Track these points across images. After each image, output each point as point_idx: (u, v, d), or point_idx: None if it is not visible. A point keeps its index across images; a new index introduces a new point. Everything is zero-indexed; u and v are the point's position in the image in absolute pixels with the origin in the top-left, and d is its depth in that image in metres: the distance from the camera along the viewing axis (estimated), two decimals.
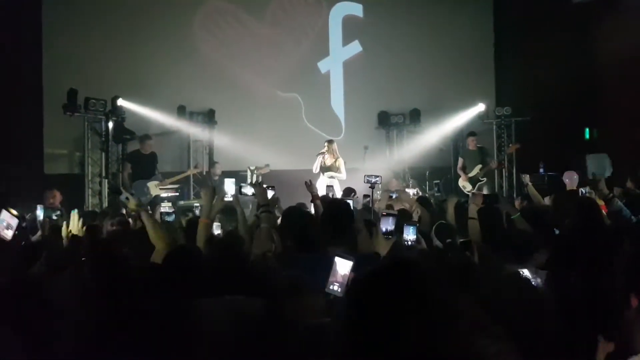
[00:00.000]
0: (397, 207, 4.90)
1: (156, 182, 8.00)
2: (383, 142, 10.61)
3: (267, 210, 3.12)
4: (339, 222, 2.92)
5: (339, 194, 6.24)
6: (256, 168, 8.87)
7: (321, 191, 7.26)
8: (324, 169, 7.80)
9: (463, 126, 10.26)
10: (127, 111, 9.02)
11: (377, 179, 5.08)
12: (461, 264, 2.39)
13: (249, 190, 3.97)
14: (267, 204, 3.17)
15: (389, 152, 10.49)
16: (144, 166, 8.00)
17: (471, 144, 8.67)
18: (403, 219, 3.40)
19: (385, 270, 1.34)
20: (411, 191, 7.02)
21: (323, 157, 7.81)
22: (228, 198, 4.08)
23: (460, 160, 8.76)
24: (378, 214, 3.86)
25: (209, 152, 9.76)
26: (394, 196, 6.33)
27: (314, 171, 7.76)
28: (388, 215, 2.86)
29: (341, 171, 7.81)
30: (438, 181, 9.25)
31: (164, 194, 7.88)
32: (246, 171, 8.90)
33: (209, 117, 9.60)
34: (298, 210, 3.39)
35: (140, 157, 8.09)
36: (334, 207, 3.13)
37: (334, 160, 7.84)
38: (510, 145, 9.29)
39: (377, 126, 10.64)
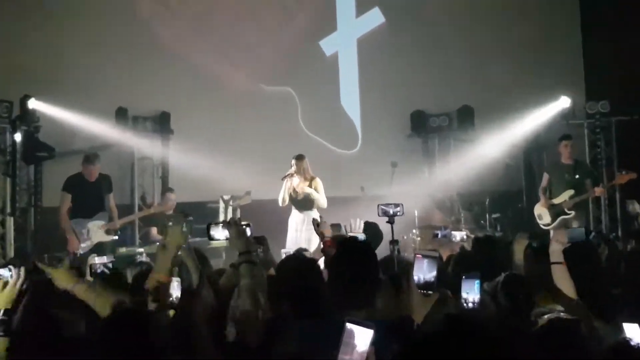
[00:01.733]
0: (445, 252, 4.61)
1: (100, 223, 7.20)
2: (419, 157, 9.84)
3: (248, 259, 2.86)
4: (357, 272, 2.61)
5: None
6: (232, 198, 8.26)
7: (291, 232, 7.20)
8: (295, 198, 7.09)
9: (539, 130, 9.40)
10: (43, 117, 8.36)
11: (398, 209, 4.81)
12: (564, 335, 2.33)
13: (220, 234, 3.32)
14: (248, 251, 2.92)
15: (428, 171, 9.75)
16: (87, 198, 7.23)
17: (565, 152, 7.75)
18: (460, 267, 3.28)
19: (439, 340, 1.32)
20: (459, 235, 5.92)
21: (291, 181, 7.09)
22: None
23: (545, 177, 8.00)
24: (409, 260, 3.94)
25: (162, 174, 9.00)
26: (439, 235, 5.92)
27: (280, 203, 7.16)
28: (425, 257, 2.42)
29: (320, 197, 7.11)
30: (498, 215, 8.76)
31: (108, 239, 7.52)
32: (218, 202, 8.34)
33: (161, 124, 8.98)
34: (296, 259, 3.38)
35: (83, 185, 7.28)
36: (349, 251, 2.88)
37: (307, 183, 7.09)
38: (622, 173, 8.22)
39: (409, 133, 9.87)
